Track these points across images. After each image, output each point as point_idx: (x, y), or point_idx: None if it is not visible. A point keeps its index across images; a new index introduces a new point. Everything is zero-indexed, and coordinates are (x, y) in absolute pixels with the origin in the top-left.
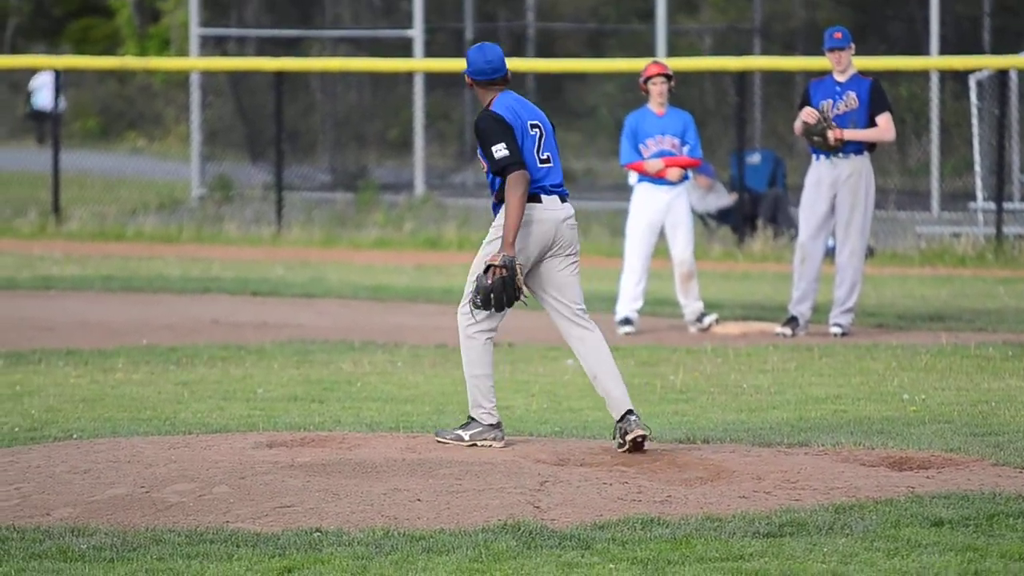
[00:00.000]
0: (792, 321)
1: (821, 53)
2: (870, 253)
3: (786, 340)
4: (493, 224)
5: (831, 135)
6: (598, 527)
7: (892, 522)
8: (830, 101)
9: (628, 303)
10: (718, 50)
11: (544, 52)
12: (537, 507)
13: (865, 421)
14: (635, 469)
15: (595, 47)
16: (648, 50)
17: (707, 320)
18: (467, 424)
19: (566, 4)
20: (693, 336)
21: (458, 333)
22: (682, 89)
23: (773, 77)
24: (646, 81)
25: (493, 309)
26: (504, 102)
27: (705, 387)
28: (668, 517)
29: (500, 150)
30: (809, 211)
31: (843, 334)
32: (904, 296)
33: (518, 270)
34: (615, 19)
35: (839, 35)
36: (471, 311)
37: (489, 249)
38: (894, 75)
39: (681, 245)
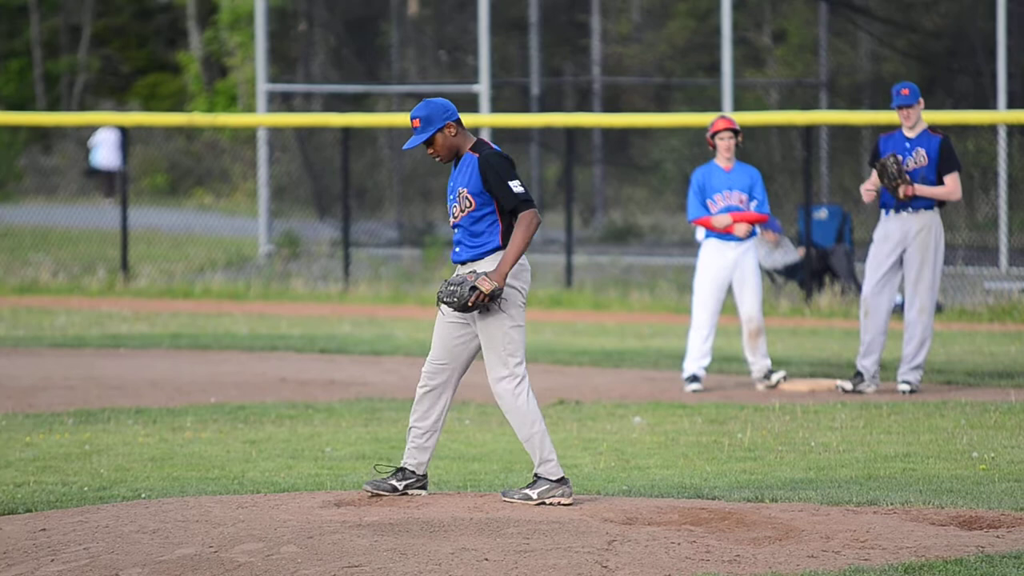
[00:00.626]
0: (857, 376)
1: (888, 107)
2: (938, 309)
3: (847, 395)
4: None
5: (901, 190)
6: None
7: None
8: (900, 156)
9: (696, 360)
10: (784, 104)
11: (610, 107)
12: (605, 567)
13: (934, 479)
14: (703, 529)
15: (661, 101)
16: (714, 104)
17: (775, 377)
18: (534, 483)
19: (632, 59)
20: (761, 393)
21: (499, 402)
22: (748, 143)
23: (840, 131)
24: (713, 136)
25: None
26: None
27: (773, 445)
28: None
29: (518, 185)
30: (875, 264)
31: (911, 391)
32: (973, 353)
33: (495, 305)
34: (681, 73)
35: (907, 91)
36: (440, 298)
37: (480, 270)
38: (961, 129)
39: (749, 301)
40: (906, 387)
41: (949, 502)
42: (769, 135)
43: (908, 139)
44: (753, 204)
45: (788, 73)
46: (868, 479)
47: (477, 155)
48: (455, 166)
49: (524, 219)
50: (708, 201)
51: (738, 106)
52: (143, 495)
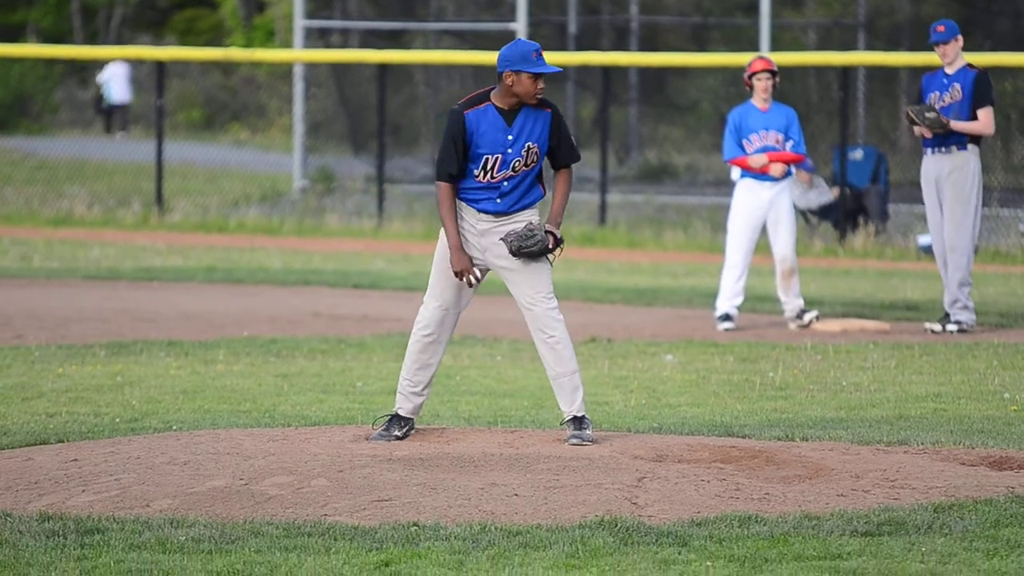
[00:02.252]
0: (946, 317)
1: (926, 48)
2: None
3: (883, 335)
4: (519, 216)
5: (917, 130)
6: (695, 524)
7: (992, 522)
8: (937, 93)
9: (728, 299)
10: (822, 45)
11: (647, 46)
12: (635, 503)
13: (965, 420)
14: (733, 466)
15: (698, 41)
16: (752, 45)
17: (807, 317)
18: (582, 421)
19: None
20: (793, 333)
21: (553, 329)
22: (785, 84)
23: (877, 73)
24: (751, 76)
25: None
26: None
27: (804, 384)
28: (766, 515)
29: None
30: (929, 210)
31: (960, 331)
32: (1006, 294)
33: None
34: (719, 13)
35: (942, 28)
36: (522, 245)
37: (524, 220)
38: (1000, 71)
39: (783, 241)
40: (953, 327)
41: (979, 442)
42: (806, 76)
43: (947, 75)
44: (789, 144)
45: (826, 14)
46: (899, 419)
47: (550, 110)
48: (506, 118)
49: (568, 175)
50: (744, 141)
51: (776, 46)
52: (174, 427)
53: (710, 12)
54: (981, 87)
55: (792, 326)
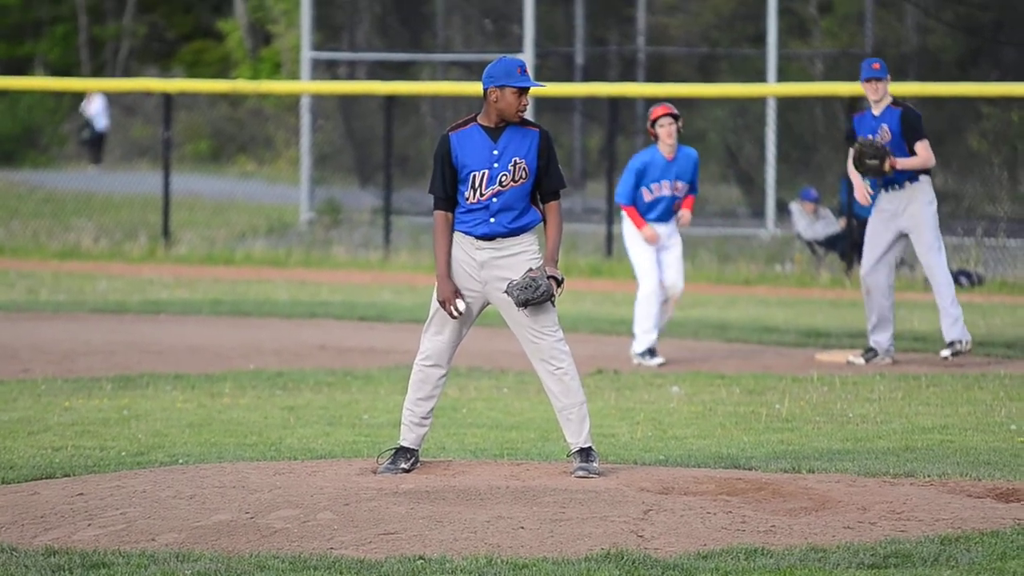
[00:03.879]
0: (870, 351)
1: (934, 78)
2: (979, 281)
3: (887, 367)
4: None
5: (888, 163)
6: (702, 556)
7: (998, 555)
8: (870, 136)
9: (652, 332)
10: (829, 75)
11: (654, 77)
12: (640, 536)
13: (972, 452)
14: (739, 499)
15: (705, 72)
16: (759, 75)
17: (654, 362)
18: (589, 454)
19: (677, 29)
20: (799, 364)
21: (560, 363)
22: (792, 114)
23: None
24: (653, 124)
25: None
26: None
27: (810, 416)
28: (772, 547)
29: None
30: (871, 243)
31: (954, 354)
32: (1013, 325)
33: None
34: (726, 44)
35: (877, 65)
36: (529, 297)
37: (519, 251)
38: (1007, 101)
39: (675, 273)
40: (953, 348)
41: (986, 474)
42: (813, 106)
43: (874, 117)
44: (685, 187)
45: (833, 44)
46: (905, 451)
47: (538, 130)
48: (491, 135)
49: (558, 208)
50: (644, 189)
51: (783, 77)
52: (180, 461)
53: (717, 43)
54: (909, 123)
55: (635, 361)
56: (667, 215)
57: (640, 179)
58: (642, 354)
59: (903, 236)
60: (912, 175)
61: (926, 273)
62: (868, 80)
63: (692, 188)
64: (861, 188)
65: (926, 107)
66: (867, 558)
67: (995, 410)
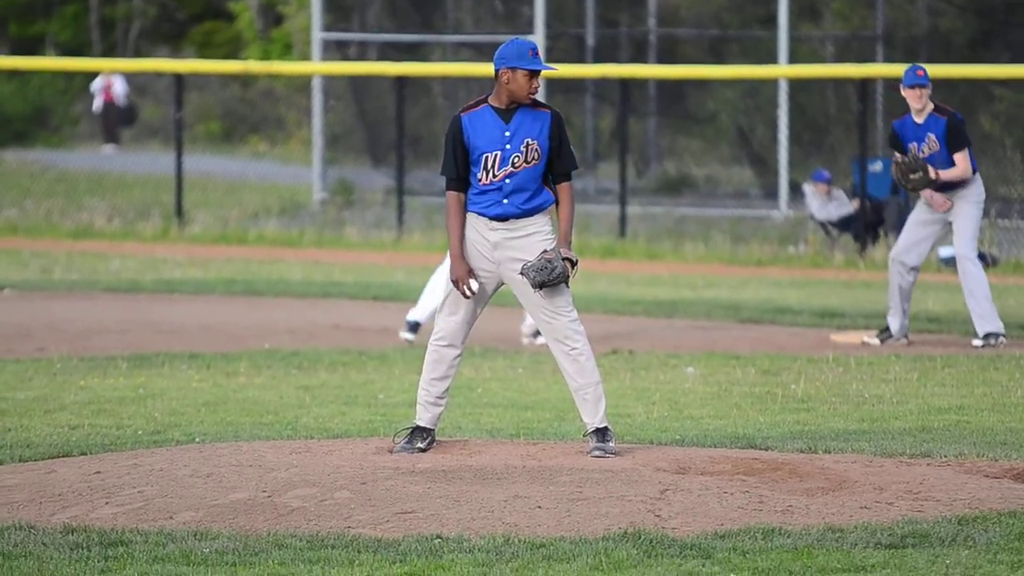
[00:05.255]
0: (885, 331)
1: (945, 60)
2: (994, 262)
3: (903, 347)
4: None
5: (932, 171)
6: (719, 536)
7: (1016, 534)
8: (915, 144)
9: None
10: (840, 57)
11: (665, 58)
12: (658, 515)
13: (988, 432)
14: (756, 479)
15: (716, 54)
16: (770, 56)
17: (408, 335)
18: (605, 433)
19: (688, 10)
20: (814, 345)
21: (576, 342)
22: (803, 96)
23: (895, 85)
24: None
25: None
26: None
27: (826, 396)
28: (789, 527)
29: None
30: (910, 226)
31: (985, 344)
32: None
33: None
34: (737, 26)
35: (921, 72)
36: (545, 279)
37: (532, 231)
38: (1019, 83)
39: None
40: (978, 343)
41: (1003, 455)
42: (824, 88)
43: (917, 124)
44: None
45: (844, 26)
46: (922, 431)
47: (550, 111)
48: (503, 117)
49: (571, 190)
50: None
51: (794, 59)
52: (197, 439)
53: (728, 24)
54: (955, 132)
55: (525, 341)
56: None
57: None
58: (409, 322)
59: (946, 225)
60: (955, 184)
61: (959, 265)
62: (912, 87)
63: None
64: (939, 196)
65: (938, 89)
66: (884, 538)
67: (1011, 391)
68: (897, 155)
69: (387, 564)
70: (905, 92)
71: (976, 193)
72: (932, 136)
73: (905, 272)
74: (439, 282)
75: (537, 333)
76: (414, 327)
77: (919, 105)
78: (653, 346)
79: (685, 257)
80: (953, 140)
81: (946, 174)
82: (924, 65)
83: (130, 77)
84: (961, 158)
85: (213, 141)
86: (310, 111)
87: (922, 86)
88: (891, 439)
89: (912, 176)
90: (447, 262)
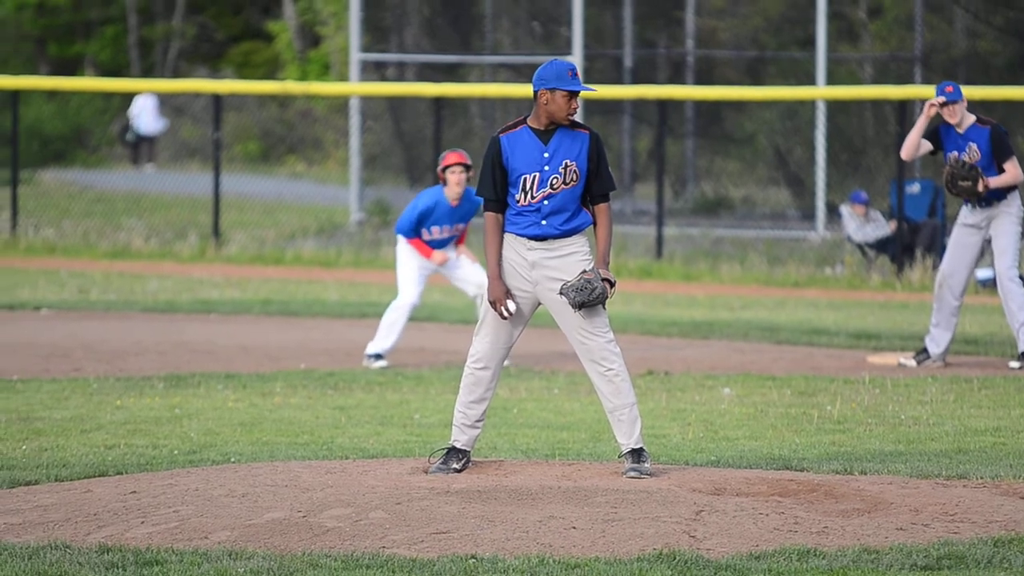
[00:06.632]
0: (923, 353)
1: (984, 82)
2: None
3: (938, 369)
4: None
5: (981, 183)
6: (754, 557)
7: None
8: (956, 153)
9: (392, 338)
10: (879, 79)
11: (703, 80)
12: (693, 536)
13: None
14: (791, 500)
15: (754, 75)
16: (808, 78)
17: (378, 364)
18: (641, 454)
19: (725, 32)
20: (850, 366)
21: (611, 363)
22: (841, 118)
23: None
24: (444, 170)
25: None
26: None
27: (862, 418)
28: (825, 548)
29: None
30: (954, 246)
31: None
32: None
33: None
34: (775, 47)
35: (950, 89)
36: (585, 299)
37: (570, 251)
38: None
39: (477, 276)
40: (1015, 364)
41: None
42: (863, 109)
43: (959, 135)
44: (464, 227)
45: (883, 48)
46: (958, 452)
47: (588, 132)
48: (542, 138)
49: (608, 211)
50: (424, 230)
51: (832, 80)
52: (232, 459)
53: (766, 46)
54: (998, 142)
55: (365, 363)
56: (443, 245)
57: (423, 220)
58: (371, 355)
59: (987, 243)
60: (1001, 193)
61: (1000, 284)
62: (943, 105)
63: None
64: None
65: (974, 111)
66: (920, 560)
67: None
68: (954, 154)
69: None
70: (940, 110)
71: (1017, 208)
72: (974, 146)
73: (952, 298)
74: (393, 318)
75: (376, 357)
76: (378, 357)
77: (953, 120)
78: (689, 367)
79: (721, 278)
80: (999, 150)
81: (997, 180)
82: (960, 84)
83: (169, 98)
84: (1012, 165)
85: (251, 161)
86: (347, 132)
87: (953, 102)
88: (927, 460)
89: (961, 183)
90: (401, 298)
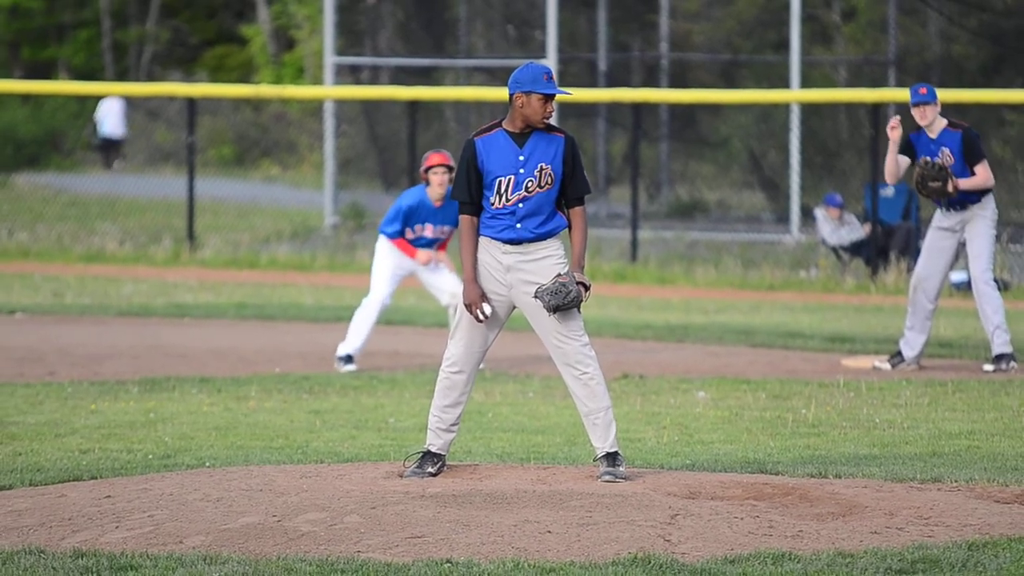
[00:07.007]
0: (897, 356)
1: (958, 85)
2: (1005, 287)
3: (913, 372)
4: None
5: (951, 184)
6: (729, 561)
7: None
8: (927, 158)
9: (363, 340)
10: (853, 82)
11: (677, 83)
12: (668, 540)
13: (999, 457)
14: (766, 503)
15: (728, 78)
16: (782, 81)
17: (347, 368)
18: (615, 458)
19: (700, 35)
20: (825, 369)
21: (587, 367)
22: (815, 121)
23: (907, 109)
24: (427, 170)
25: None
26: None
27: (837, 421)
28: (799, 552)
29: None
30: (928, 250)
31: (996, 368)
32: None
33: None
34: (749, 50)
35: (924, 90)
36: (560, 303)
37: (546, 255)
38: None
39: (452, 284)
40: (989, 368)
41: (1014, 480)
42: (837, 112)
43: (931, 139)
44: (451, 230)
45: (857, 51)
46: (932, 456)
47: (563, 136)
48: (517, 141)
49: (583, 214)
50: (408, 229)
51: (806, 83)
52: (207, 463)
53: (740, 49)
54: (970, 146)
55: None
56: (429, 245)
57: (408, 219)
58: (341, 358)
59: (962, 246)
60: (975, 196)
61: (974, 287)
62: (916, 105)
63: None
64: (894, 120)
65: (949, 114)
66: (895, 563)
67: (1022, 416)
68: (925, 158)
69: None
70: (912, 111)
71: (991, 211)
72: (946, 150)
73: (927, 302)
74: (363, 316)
75: (346, 359)
76: (347, 359)
77: (924, 122)
78: (664, 371)
79: (696, 282)
80: (970, 153)
81: (967, 182)
82: (934, 87)
83: (142, 101)
84: (982, 168)
85: (225, 165)
86: (322, 135)
87: (925, 103)
88: (902, 464)
89: (931, 184)
90: (371, 296)
